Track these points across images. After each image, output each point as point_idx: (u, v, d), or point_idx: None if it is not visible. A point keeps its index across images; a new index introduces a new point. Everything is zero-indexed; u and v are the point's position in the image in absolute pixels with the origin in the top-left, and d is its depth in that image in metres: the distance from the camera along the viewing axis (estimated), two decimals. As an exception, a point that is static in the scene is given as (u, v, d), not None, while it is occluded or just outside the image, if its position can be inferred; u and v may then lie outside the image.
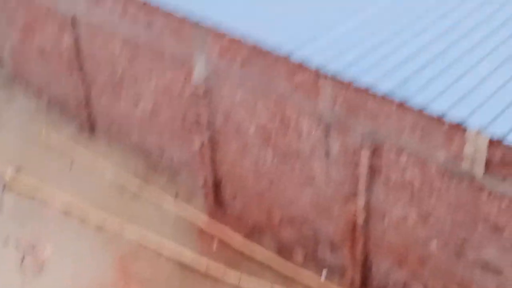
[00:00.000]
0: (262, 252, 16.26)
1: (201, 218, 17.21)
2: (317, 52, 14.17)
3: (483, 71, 13.52)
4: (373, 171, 14.16)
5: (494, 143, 12.40)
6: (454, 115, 12.69)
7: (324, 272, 15.74)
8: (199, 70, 15.97)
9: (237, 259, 16.16)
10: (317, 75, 14.02)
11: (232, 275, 15.70)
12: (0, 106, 20.50)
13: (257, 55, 14.78)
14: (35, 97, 20.55)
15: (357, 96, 13.73)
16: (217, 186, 17.24)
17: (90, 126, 19.56)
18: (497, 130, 12.26)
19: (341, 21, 15.03)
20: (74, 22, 17.88)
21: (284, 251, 16.32)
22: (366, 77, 13.50)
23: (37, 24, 18.82)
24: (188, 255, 16.19)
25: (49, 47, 18.99)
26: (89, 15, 17.42)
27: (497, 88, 13.13)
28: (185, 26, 15.69)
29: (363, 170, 14.19)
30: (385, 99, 13.29)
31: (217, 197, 17.35)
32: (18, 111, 20.42)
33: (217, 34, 15.22)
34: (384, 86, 13.28)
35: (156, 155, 18.32)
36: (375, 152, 14.04)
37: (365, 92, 13.53)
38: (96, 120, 19.40)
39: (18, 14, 19.19)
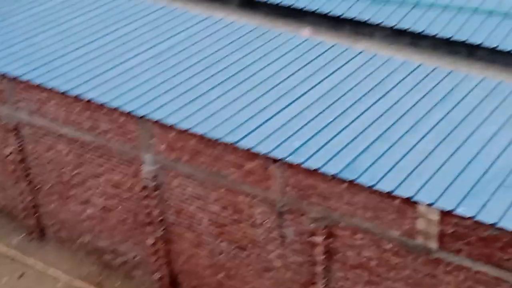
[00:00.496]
0: None
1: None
2: (264, 139, 14.19)
3: (426, 147, 13.68)
4: (329, 253, 14.05)
5: (445, 217, 12.46)
6: (404, 192, 12.74)
7: None
8: (148, 167, 15.82)
9: None
10: (266, 161, 14.01)
11: None
12: None
13: (205, 147, 14.72)
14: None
15: (307, 180, 13.74)
16: (174, 281, 16.88)
17: (39, 232, 19.09)
18: (446, 204, 12.33)
19: (282, 108, 15.10)
20: (17, 129, 17.66)
21: None
22: (314, 161, 13.52)
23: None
24: None
25: (-6, 155, 18.75)
26: (32, 121, 17.24)
27: (442, 163, 13.26)
28: (130, 123, 15.61)
29: (320, 252, 14.08)
30: (335, 180, 13.31)
31: (174, 292, 16.98)
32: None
33: (163, 129, 15.17)
34: (332, 168, 13.30)
35: (110, 255, 17.89)
36: (330, 233, 13.98)
37: (315, 175, 13.55)
38: (45, 225, 18.97)
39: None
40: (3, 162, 18.53)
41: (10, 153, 18.11)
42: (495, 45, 16.48)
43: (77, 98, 16.01)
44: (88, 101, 15.86)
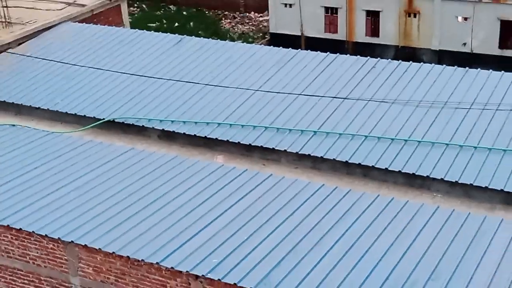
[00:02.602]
0: None
1: None
2: (184, 258, 14.20)
3: (331, 261, 13.93)
4: None
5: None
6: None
7: None
8: (75, 291, 15.52)
9: None
10: (188, 277, 13.96)
11: None
12: None
13: (130, 269, 14.57)
14: None
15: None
16: None
17: None
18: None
19: (199, 230, 15.15)
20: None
21: None
22: (232, 276, 13.55)
23: None
24: None
25: None
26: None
27: (345, 275, 13.52)
28: (58, 249, 15.41)
29: None
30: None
31: None
32: None
33: (88, 253, 15.00)
34: (249, 282, 13.36)
35: None
36: None
37: (232, 289, 13.58)
38: None
39: None
40: None
41: None
42: (386, 166, 17.11)
43: (7, 227, 15.77)
44: (19, 229, 15.63)
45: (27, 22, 26.38)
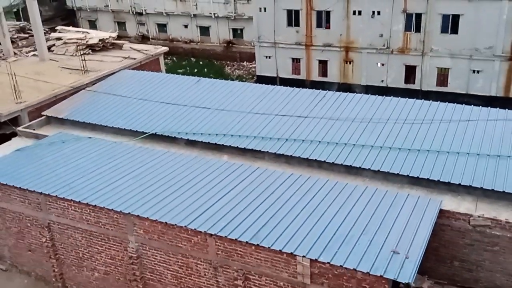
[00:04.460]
0: None
1: None
2: (204, 222, 14.05)
3: (299, 221, 13.72)
4: (246, 290, 13.73)
5: (313, 263, 12.49)
6: (288, 249, 12.78)
7: None
8: (132, 245, 15.34)
9: None
10: (205, 235, 13.84)
11: None
12: (3, 283, 18.41)
13: (167, 229, 14.44)
14: (26, 276, 18.70)
15: (230, 245, 13.59)
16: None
17: (63, 291, 17.92)
18: (314, 255, 12.41)
19: (213, 202, 14.99)
20: (49, 226, 16.89)
21: None
22: (234, 234, 13.44)
23: (25, 230, 17.60)
24: None
25: (34, 243, 17.67)
26: (58, 220, 16.54)
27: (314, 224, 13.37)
28: (120, 218, 15.23)
29: (240, 290, 13.74)
30: (247, 244, 13.23)
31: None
32: (16, 286, 18.39)
33: (140, 221, 14.86)
34: (244, 237, 13.26)
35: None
36: (246, 279, 13.71)
37: (235, 242, 13.43)
38: (68, 286, 17.77)
39: (12, 225, 17.90)
40: (41, 246, 17.52)
41: (45, 241, 17.23)
42: (333, 161, 16.97)
43: (87, 204, 15.60)
44: (94, 205, 15.47)
45: (98, 70, 26.25)
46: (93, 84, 24.73)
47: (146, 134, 19.92)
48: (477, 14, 30.04)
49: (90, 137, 19.99)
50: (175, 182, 16.28)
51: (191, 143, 19.35)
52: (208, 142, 18.96)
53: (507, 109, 19.07)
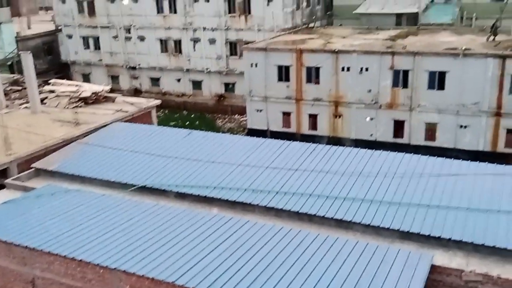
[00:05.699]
0: None
1: None
2: (192, 277, 13.71)
3: (288, 278, 13.47)
4: None
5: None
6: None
7: None
8: (118, 301, 14.91)
9: None
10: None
11: None
12: None
13: (154, 286, 14.11)
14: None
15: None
16: None
17: None
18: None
19: (202, 256, 14.76)
20: (33, 281, 16.42)
21: None
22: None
23: (8, 286, 17.10)
24: None
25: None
26: (43, 275, 16.11)
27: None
28: (106, 273, 14.84)
29: None
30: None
31: None
32: None
33: (126, 276, 14.53)
34: None
35: None
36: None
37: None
38: None
39: (-7, 281, 17.48)
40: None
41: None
42: (324, 214, 16.85)
43: (72, 258, 15.28)
44: (80, 260, 15.16)
45: (90, 122, 26.39)
46: (85, 136, 24.80)
47: (136, 187, 19.77)
48: (463, 71, 30.99)
49: (78, 190, 19.82)
50: (163, 235, 16.04)
51: (181, 196, 19.19)
52: (198, 195, 18.82)
53: (495, 164, 19.31)
